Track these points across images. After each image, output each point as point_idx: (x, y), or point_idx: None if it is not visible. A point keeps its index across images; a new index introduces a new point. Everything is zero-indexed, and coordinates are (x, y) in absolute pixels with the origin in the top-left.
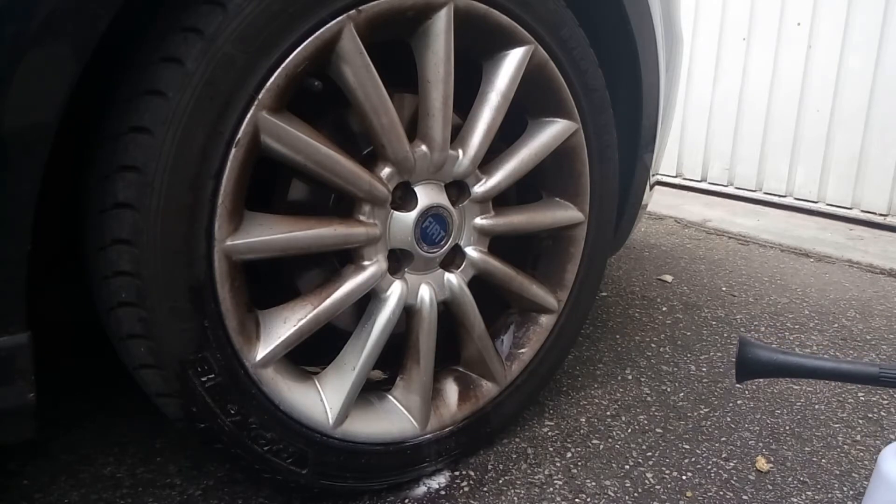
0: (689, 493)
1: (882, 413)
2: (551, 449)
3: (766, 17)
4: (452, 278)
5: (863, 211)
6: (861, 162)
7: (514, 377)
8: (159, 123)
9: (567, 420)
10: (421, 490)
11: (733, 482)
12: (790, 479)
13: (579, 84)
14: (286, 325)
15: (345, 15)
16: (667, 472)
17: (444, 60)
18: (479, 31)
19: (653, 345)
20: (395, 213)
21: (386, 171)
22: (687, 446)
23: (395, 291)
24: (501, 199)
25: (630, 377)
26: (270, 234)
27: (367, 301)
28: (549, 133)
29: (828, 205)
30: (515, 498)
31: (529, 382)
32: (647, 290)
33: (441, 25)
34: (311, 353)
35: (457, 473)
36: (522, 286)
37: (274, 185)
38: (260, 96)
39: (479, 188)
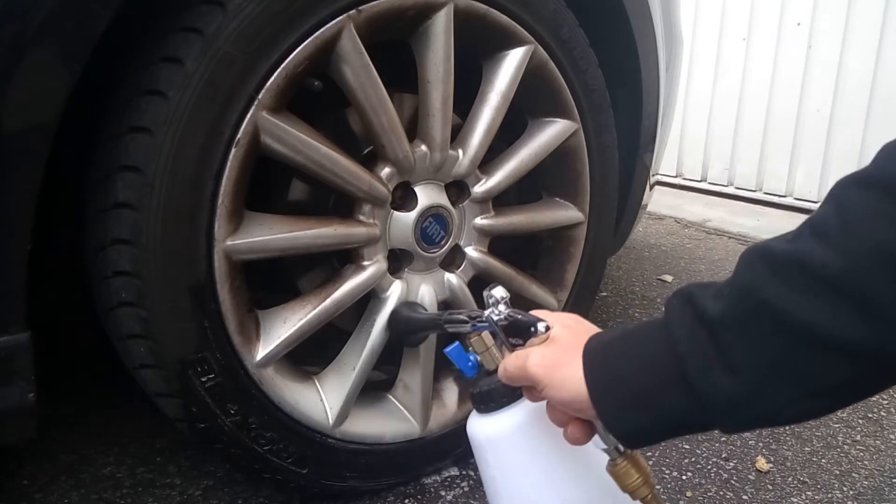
0: (689, 493)
1: (882, 413)
2: None
3: (766, 17)
4: (452, 278)
5: None
6: (861, 162)
7: None
8: (159, 123)
9: None
10: (421, 490)
11: (733, 482)
12: (790, 479)
13: (579, 84)
14: (286, 325)
15: (345, 15)
16: (667, 472)
17: (443, 60)
18: (479, 31)
19: None
20: (395, 213)
21: (386, 171)
22: (687, 446)
23: (395, 291)
24: (501, 199)
25: None
26: (270, 234)
27: (367, 301)
28: (549, 133)
29: None
30: None
31: None
32: (647, 290)
33: (441, 25)
34: (311, 353)
35: (456, 473)
36: (522, 286)
37: (274, 185)
38: (260, 96)
39: (479, 188)
